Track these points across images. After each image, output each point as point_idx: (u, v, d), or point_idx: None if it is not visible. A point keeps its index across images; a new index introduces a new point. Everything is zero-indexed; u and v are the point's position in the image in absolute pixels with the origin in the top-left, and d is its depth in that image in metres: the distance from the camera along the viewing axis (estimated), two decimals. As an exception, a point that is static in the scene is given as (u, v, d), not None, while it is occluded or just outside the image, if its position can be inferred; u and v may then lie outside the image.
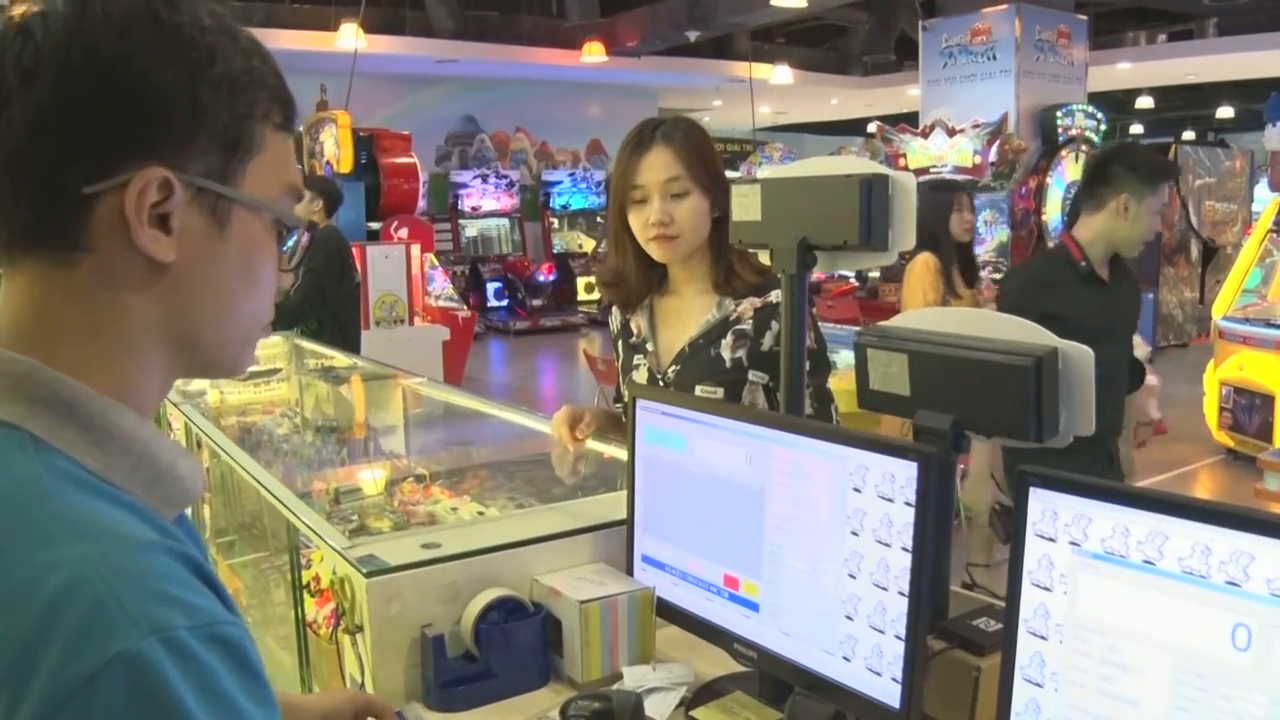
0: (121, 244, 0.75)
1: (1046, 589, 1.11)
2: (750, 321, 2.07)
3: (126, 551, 0.68)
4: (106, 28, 0.74)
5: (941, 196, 4.97)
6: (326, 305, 5.50)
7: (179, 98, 0.75)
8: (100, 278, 0.76)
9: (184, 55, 0.76)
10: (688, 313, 2.16)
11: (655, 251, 2.09)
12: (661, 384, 2.13)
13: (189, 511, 0.88)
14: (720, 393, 2.05)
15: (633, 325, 2.25)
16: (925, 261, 4.81)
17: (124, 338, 0.78)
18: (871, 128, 11.94)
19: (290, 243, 0.89)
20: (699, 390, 2.05)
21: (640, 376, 2.18)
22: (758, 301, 2.08)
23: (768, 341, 2.05)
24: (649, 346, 2.20)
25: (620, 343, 2.28)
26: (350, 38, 10.54)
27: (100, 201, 0.74)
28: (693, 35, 13.53)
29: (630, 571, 1.70)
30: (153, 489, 0.77)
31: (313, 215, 5.53)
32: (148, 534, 0.72)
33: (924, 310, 1.60)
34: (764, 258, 1.81)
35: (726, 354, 2.07)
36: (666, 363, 2.15)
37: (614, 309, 2.28)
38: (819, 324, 2.18)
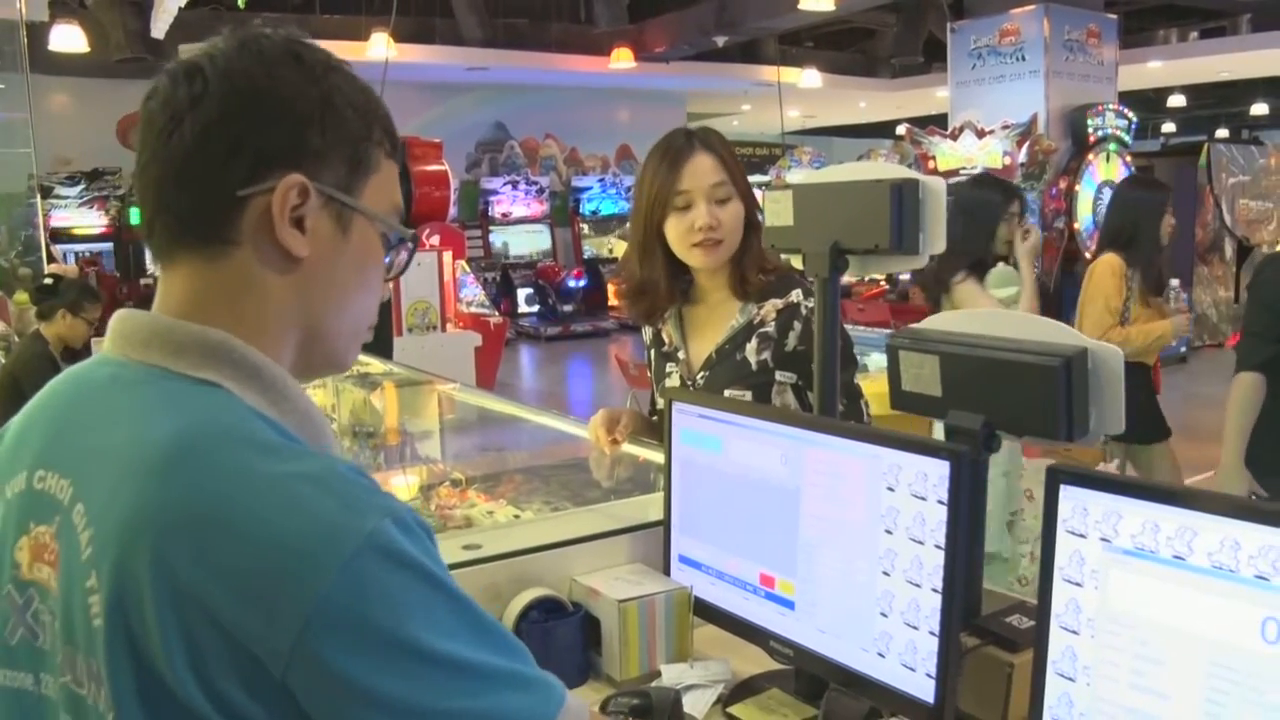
0: (266, 240, 0.90)
1: (1078, 584, 1.13)
2: (773, 323, 2.10)
3: (335, 465, 0.85)
4: (260, 64, 0.91)
5: (1156, 195, 4.35)
6: None
7: (315, 120, 0.91)
8: (246, 269, 0.91)
9: (319, 87, 0.92)
10: (714, 320, 2.18)
11: (698, 258, 2.09)
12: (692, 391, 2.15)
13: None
14: (748, 395, 2.07)
15: (664, 334, 2.27)
16: (1111, 264, 4.19)
17: (267, 321, 0.93)
18: (900, 130, 11.91)
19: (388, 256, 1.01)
20: (727, 394, 2.07)
21: (673, 384, 2.21)
22: (779, 303, 2.10)
23: (791, 341, 2.08)
24: (680, 355, 2.22)
25: (653, 351, 2.31)
26: (381, 47, 10.61)
27: (251, 203, 0.89)
28: (720, 40, 13.56)
29: (667, 571, 1.73)
30: (315, 443, 0.91)
31: None
32: (336, 457, 0.88)
33: (953, 312, 1.61)
34: (796, 262, 1.83)
35: (752, 357, 2.10)
36: (696, 369, 2.18)
37: None
38: (842, 323, 2.20)
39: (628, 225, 2.24)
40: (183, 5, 8.84)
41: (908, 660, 1.31)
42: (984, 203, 4.15)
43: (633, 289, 2.22)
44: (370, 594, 0.77)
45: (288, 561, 0.76)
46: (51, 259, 10.74)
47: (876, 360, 3.95)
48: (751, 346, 2.10)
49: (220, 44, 0.92)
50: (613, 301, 15.22)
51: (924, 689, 1.29)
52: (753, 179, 2.16)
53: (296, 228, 0.91)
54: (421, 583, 0.80)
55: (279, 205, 0.89)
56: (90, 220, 13.45)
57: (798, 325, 2.07)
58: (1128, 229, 4.23)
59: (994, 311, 1.73)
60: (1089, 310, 4.19)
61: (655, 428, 2.21)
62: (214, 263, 0.91)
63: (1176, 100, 18.22)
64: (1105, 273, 4.20)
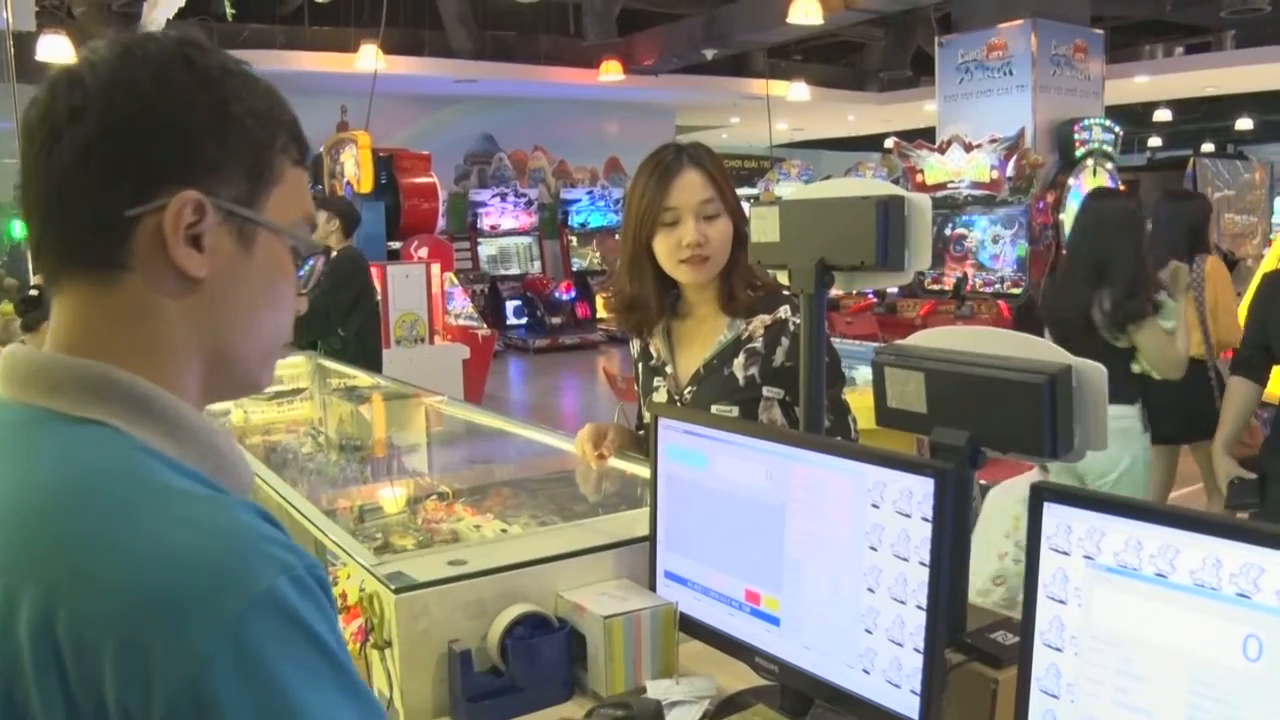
0: (159, 262, 0.84)
1: (1061, 602, 1.13)
2: (761, 339, 2.10)
3: (232, 510, 0.77)
4: (145, 71, 0.83)
5: (1199, 200, 4.60)
6: (344, 324, 5.46)
7: (209, 131, 0.85)
8: (141, 294, 0.84)
9: (213, 94, 0.85)
10: (702, 334, 2.18)
11: (686, 274, 2.10)
12: (679, 405, 2.16)
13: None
14: (735, 411, 2.07)
15: (652, 348, 2.27)
16: (1219, 263, 4.42)
17: (166, 349, 0.86)
18: (888, 143, 11.96)
19: (306, 268, 0.95)
20: (715, 409, 2.08)
21: (660, 398, 2.21)
22: (767, 319, 2.11)
23: (779, 357, 2.08)
24: (668, 369, 2.23)
25: (640, 365, 2.31)
26: (370, 59, 10.64)
27: (141, 224, 0.82)
28: (709, 53, 13.60)
29: (653, 587, 1.72)
30: (219, 474, 0.85)
31: (329, 236, 5.54)
32: (236, 499, 0.81)
33: (938, 329, 1.63)
34: (782, 278, 1.84)
35: (740, 373, 2.10)
36: (684, 384, 2.18)
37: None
38: (829, 337, 2.20)
39: (600, 239, 2.24)
40: (170, 17, 8.83)
41: (892, 677, 1.31)
42: (1138, 220, 3.67)
43: (623, 303, 2.22)
44: (255, 658, 0.70)
45: (166, 621, 0.69)
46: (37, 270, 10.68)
47: (864, 374, 3.95)
48: (739, 362, 2.10)
49: (103, 50, 0.84)
50: (601, 314, 15.23)
51: (909, 705, 1.29)
52: (741, 192, 2.16)
53: (194, 246, 0.84)
54: (309, 647, 0.73)
55: (171, 224, 0.82)
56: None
57: (785, 341, 2.08)
58: (1204, 234, 4.53)
59: (978, 329, 1.73)
60: (1227, 314, 4.37)
61: (642, 442, 2.21)
62: (103, 288, 0.84)
63: (1162, 115, 18.34)
64: (1226, 275, 4.48)
